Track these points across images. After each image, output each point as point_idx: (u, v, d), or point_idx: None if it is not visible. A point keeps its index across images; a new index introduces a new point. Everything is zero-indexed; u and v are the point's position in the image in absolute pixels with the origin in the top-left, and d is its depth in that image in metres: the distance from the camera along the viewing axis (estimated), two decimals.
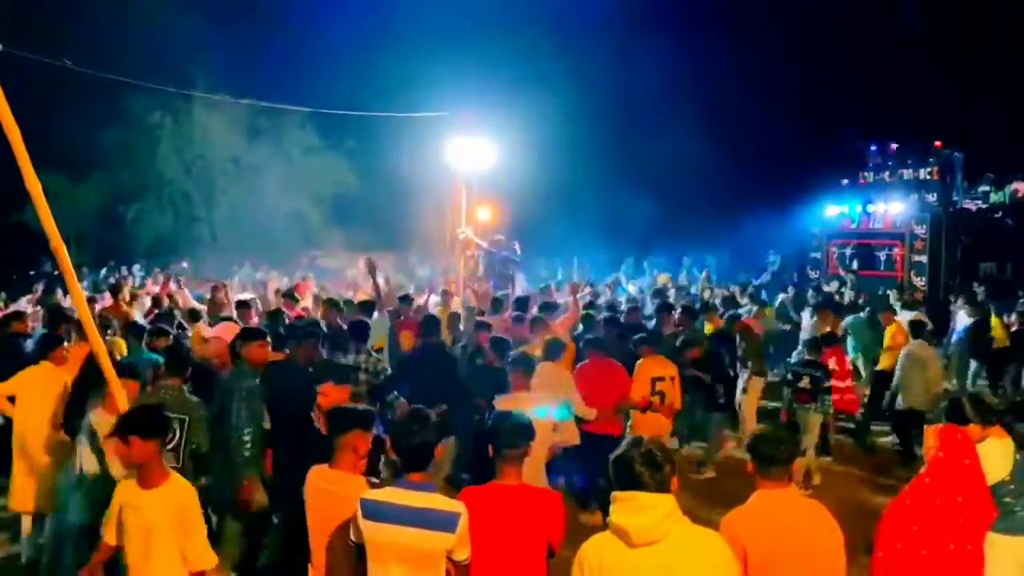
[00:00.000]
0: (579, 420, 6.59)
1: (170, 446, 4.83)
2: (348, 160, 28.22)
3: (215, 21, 22.98)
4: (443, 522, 3.20)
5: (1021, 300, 17.01)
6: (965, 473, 3.79)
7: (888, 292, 16.06)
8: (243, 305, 9.42)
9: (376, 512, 3.24)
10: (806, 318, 12.03)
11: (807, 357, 8.30)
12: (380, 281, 10.31)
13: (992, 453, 4.26)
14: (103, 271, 18.55)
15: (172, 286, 12.43)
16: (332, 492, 3.65)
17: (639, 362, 7.23)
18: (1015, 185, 21.69)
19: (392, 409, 6.71)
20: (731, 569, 2.83)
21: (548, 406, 5.63)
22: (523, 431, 3.61)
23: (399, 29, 25.88)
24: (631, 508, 2.74)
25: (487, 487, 3.59)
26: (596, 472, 6.69)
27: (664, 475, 2.80)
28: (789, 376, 8.34)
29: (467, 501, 3.36)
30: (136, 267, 19.38)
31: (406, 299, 10.20)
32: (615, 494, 2.83)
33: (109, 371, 4.18)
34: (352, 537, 3.32)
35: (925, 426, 4.40)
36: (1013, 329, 11.85)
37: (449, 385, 6.82)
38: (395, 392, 6.85)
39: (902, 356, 8.96)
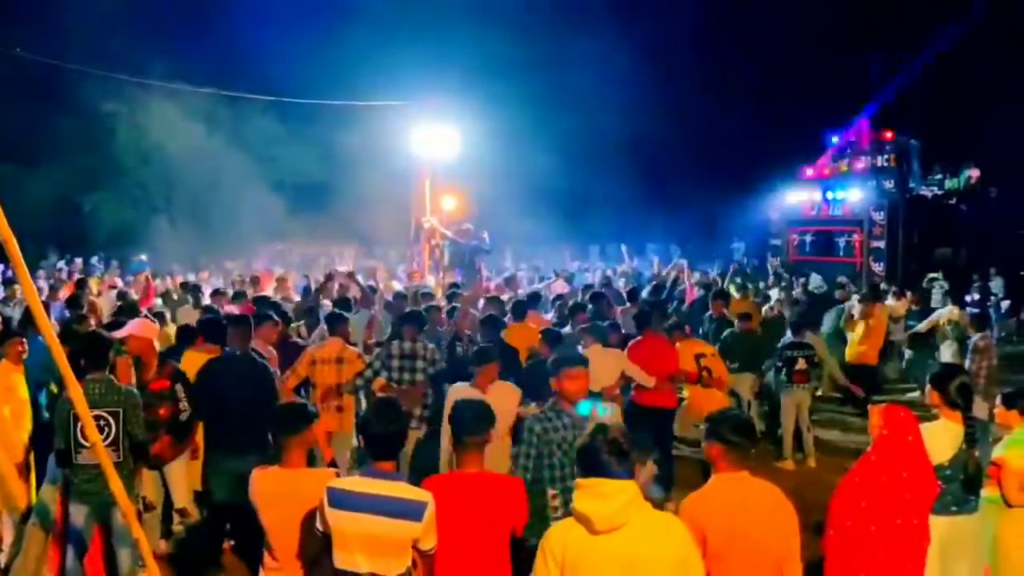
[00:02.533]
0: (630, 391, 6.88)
1: (107, 441, 4.59)
2: (311, 149, 27.85)
3: (173, 7, 22.53)
4: (410, 511, 3.21)
5: (975, 284, 17.47)
6: (909, 450, 3.90)
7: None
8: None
9: (343, 501, 3.24)
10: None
11: (795, 339, 8.51)
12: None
13: (938, 435, 4.28)
14: (59, 262, 18.08)
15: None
16: (292, 494, 3.56)
17: (678, 345, 7.51)
18: (969, 172, 22.19)
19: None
20: (691, 552, 2.88)
21: (589, 401, 5.62)
22: (484, 418, 3.64)
23: (363, 16, 25.58)
24: (595, 495, 2.77)
25: (449, 475, 3.64)
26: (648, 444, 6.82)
27: (630, 462, 2.83)
28: (779, 362, 8.50)
29: (429, 490, 3.37)
30: (95, 259, 18.99)
31: (371, 289, 10.25)
32: (578, 481, 2.85)
33: (64, 366, 4.05)
34: (319, 526, 3.32)
35: (870, 406, 4.55)
36: None
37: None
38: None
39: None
